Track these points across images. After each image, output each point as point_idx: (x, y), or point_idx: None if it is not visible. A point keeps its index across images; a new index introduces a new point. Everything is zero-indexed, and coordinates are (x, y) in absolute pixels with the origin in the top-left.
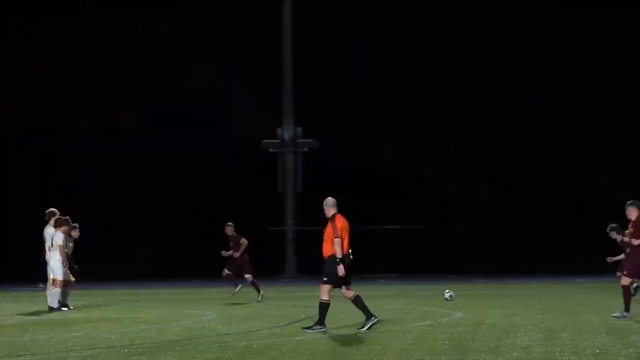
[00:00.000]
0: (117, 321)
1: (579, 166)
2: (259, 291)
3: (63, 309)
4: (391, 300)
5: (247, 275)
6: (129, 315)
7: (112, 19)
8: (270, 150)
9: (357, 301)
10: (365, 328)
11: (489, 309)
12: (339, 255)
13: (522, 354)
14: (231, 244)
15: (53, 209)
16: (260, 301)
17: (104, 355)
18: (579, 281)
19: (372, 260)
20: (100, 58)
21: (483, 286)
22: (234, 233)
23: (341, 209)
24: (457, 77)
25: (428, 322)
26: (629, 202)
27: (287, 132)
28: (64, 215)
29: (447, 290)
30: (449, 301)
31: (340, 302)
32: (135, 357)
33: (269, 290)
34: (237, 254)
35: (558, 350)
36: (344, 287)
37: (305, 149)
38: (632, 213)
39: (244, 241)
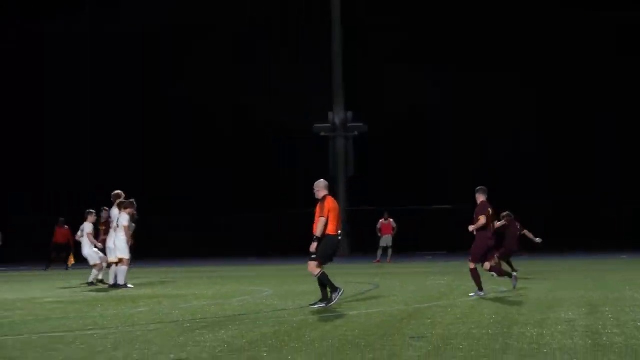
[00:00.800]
0: (180, 297)
1: None
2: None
3: (130, 286)
4: (439, 276)
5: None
6: (191, 291)
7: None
8: (322, 134)
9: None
10: (316, 306)
11: (534, 284)
12: (317, 233)
13: (566, 327)
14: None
15: (119, 192)
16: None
17: (168, 329)
18: (623, 258)
19: (419, 238)
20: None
21: (528, 263)
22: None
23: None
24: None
25: (475, 298)
26: None
27: (337, 116)
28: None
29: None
30: (494, 277)
31: (391, 279)
32: (197, 331)
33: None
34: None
35: (601, 323)
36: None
37: (356, 133)
38: None
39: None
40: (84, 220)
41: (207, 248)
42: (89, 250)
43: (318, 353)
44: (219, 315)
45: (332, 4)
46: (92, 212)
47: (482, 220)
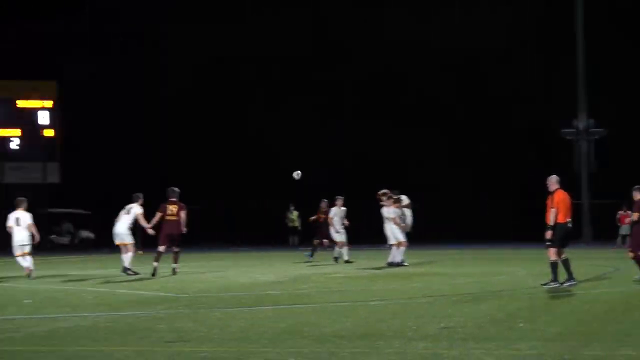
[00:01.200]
0: (448, 275)
1: None
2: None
3: (406, 264)
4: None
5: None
6: (457, 270)
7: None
8: (568, 138)
9: (566, 263)
10: (548, 285)
11: None
12: (550, 222)
13: None
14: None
15: (385, 190)
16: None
17: (438, 302)
18: None
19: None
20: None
21: None
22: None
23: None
24: None
25: None
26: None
27: (581, 123)
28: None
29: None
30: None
31: (630, 263)
32: (462, 304)
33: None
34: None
35: None
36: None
37: (597, 137)
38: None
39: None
40: (333, 204)
41: (469, 232)
42: (335, 233)
43: (567, 325)
44: (481, 290)
45: (576, 17)
46: (339, 198)
47: (635, 216)
